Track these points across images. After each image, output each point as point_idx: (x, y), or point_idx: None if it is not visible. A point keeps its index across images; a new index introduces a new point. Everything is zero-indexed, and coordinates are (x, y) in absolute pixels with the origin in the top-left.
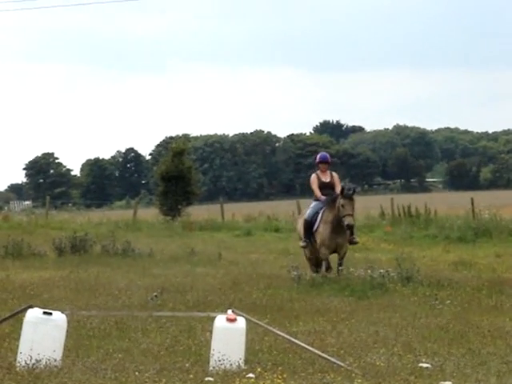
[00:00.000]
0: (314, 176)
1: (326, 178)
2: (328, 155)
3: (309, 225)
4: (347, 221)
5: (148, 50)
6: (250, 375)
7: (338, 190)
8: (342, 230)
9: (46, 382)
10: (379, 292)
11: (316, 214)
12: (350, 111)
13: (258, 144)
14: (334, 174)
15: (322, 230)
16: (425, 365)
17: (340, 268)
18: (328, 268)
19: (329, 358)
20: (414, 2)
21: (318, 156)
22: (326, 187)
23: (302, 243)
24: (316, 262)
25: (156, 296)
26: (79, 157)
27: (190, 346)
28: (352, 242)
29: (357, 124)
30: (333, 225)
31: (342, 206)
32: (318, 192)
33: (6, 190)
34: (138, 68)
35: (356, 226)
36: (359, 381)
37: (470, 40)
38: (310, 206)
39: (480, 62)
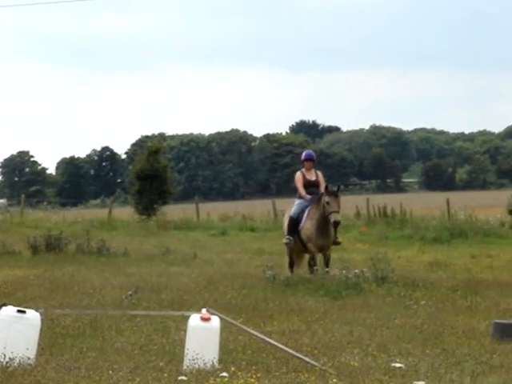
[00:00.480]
0: (298, 174)
1: (311, 177)
2: (313, 153)
3: (294, 222)
4: (333, 217)
5: (124, 48)
6: (224, 374)
7: (323, 189)
8: (327, 231)
9: (19, 380)
10: (354, 292)
11: (302, 211)
12: (327, 111)
13: (234, 143)
14: (319, 172)
15: (309, 227)
16: (398, 365)
17: (326, 269)
18: (314, 265)
19: (303, 357)
20: (391, 2)
21: (304, 154)
22: (310, 185)
23: (285, 240)
24: (295, 262)
25: (130, 295)
26: (54, 155)
27: (164, 344)
28: (335, 243)
29: (333, 124)
30: (319, 223)
31: (328, 203)
32: (302, 191)
33: None
34: (114, 67)
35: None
36: (333, 380)
37: (446, 41)
38: (294, 204)
39: (457, 64)
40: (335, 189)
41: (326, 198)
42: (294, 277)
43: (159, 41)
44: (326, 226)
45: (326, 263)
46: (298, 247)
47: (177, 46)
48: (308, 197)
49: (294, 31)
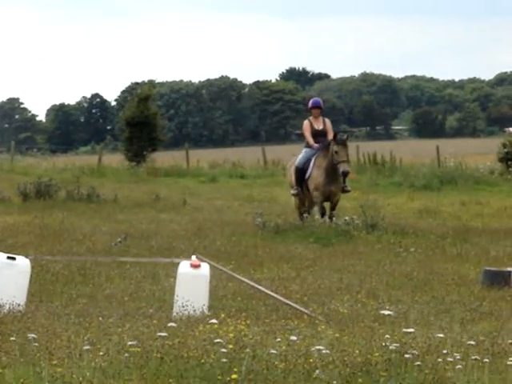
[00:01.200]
0: (306, 122)
1: (319, 126)
2: (321, 100)
3: (300, 172)
4: (342, 167)
5: None
6: (214, 321)
7: (331, 137)
8: (335, 178)
9: (9, 326)
10: (344, 239)
11: (308, 160)
12: (317, 58)
13: (224, 90)
14: (327, 120)
15: (316, 176)
16: (387, 312)
17: (333, 216)
18: (323, 213)
19: (292, 304)
20: None
21: (311, 101)
22: (318, 135)
23: (293, 191)
24: (305, 211)
25: (120, 242)
26: (44, 102)
27: (154, 291)
28: (344, 191)
29: (323, 71)
30: (327, 171)
31: (336, 152)
32: (310, 139)
33: None
34: (104, 12)
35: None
36: (322, 327)
37: None
38: (300, 153)
39: (447, 11)
40: (344, 138)
41: (334, 147)
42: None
43: None
44: (335, 174)
45: (332, 208)
46: (306, 197)
47: None
48: (316, 146)
49: None
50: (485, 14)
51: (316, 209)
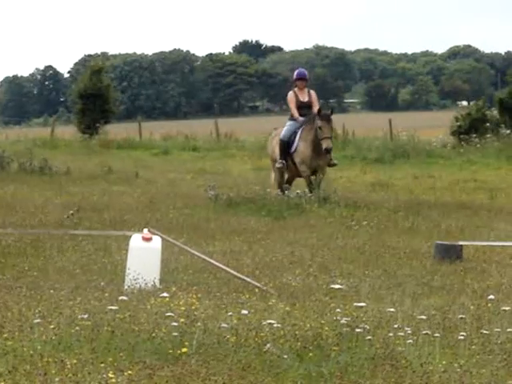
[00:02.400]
0: (291, 94)
1: (304, 97)
2: (306, 71)
3: (285, 145)
4: (325, 144)
5: None
6: (165, 294)
7: (316, 109)
8: (322, 151)
9: None
10: (296, 212)
11: (294, 133)
12: (270, 31)
13: (177, 63)
14: (312, 92)
15: (303, 149)
16: (337, 286)
17: (318, 186)
18: (310, 185)
19: (244, 277)
20: None
21: (296, 72)
22: (303, 106)
23: (278, 164)
24: (287, 186)
25: (72, 214)
26: None
27: (106, 264)
28: (330, 165)
29: (276, 44)
30: (313, 144)
31: (320, 128)
32: (295, 112)
33: None
34: None
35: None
36: (273, 301)
37: None
38: (285, 125)
39: None
40: (329, 113)
41: (318, 122)
42: (287, 194)
43: None
44: (320, 149)
45: (318, 182)
46: (291, 171)
47: None
48: (301, 119)
49: None
50: None
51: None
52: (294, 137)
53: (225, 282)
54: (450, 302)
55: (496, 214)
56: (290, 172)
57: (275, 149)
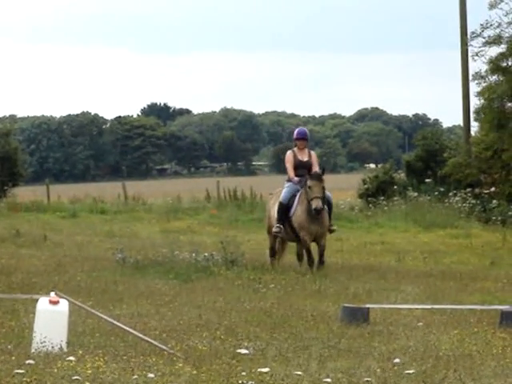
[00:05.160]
0: (289, 153)
1: (304, 157)
2: (307, 130)
3: (284, 208)
4: (314, 204)
5: None
6: (71, 358)
7: (316, 170)
8: (321, 217)
9: None
10: (204, 275)
11: (293, 196)
12: (178, 94)
13: (85, 125)
14: (313, 153)
15: (301, 213)
16: (243, 351)
17: (322, 261)
18: (309, 257)
19: (151, 341)
20: None
21: (296, 132)
22: (302, 167)
23: (275, 229)
24: (278, 251)
25: None
26: None
27: (13, 327)
28: (329, 231)
29: (184, 106)
30: (310, 207)
31: (310, 187)
32: (291, 172)
33: None
34: None
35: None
36: (180, 365)
37: (298, 24)
38: (284, 187)
39: (307, 46)
40: (319, 172)
41: (308, 182)
42: (276, 266)
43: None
44: (320, 214)
45: (321, 254)
46: (288, 236)
47: (25, 25)
48: (296, 179)
49: (146, 13)
50: (346, 49)
51: (298, 248)
52: (293, 200)
53: (132, 345)
54: (356, 365)
55: (403, 277)
56: (288, 237)
57: (274, 213)
